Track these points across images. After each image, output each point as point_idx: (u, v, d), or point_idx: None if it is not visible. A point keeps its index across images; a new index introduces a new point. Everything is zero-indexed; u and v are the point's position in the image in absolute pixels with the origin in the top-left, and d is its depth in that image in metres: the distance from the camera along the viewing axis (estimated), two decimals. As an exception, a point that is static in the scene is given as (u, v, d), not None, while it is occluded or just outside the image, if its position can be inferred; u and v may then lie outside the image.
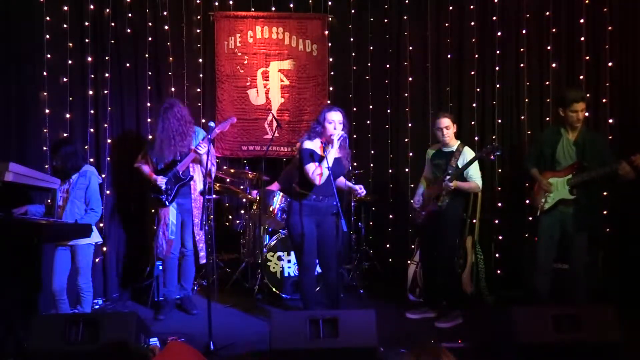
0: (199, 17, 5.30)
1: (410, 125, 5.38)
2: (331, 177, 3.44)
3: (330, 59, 5.52)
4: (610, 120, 4.64)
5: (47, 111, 4.53)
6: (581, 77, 4.75)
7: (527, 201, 4.54)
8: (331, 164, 3.47)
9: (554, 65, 4.88)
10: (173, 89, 5.17)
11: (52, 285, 3.79)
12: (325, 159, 3.47)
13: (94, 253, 4.66)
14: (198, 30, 5.31)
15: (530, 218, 3.99)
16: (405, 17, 5.39)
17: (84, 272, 3.84)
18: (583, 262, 3.79)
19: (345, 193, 4.09)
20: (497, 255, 5.04)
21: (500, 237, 5.04)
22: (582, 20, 4.76)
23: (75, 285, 3.86)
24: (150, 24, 5.08)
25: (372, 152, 5.55)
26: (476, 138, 5.10)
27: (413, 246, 4.83)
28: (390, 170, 5.54)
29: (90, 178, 3.88)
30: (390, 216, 5.53)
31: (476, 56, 5.16)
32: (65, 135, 4.58)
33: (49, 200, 3.96)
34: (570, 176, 3.68)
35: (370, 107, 5.54)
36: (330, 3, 5.47)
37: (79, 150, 3.99)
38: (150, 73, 5.08)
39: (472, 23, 5.17)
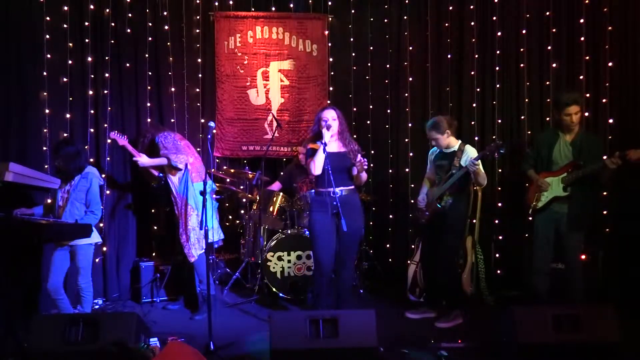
0: (199, 17, 5.30)
1: (410, 125, 5.38)
2: (329, 170, 3.48)
3: (330, 59, 5.52)
4: (610, 120, 4.64)
5: (47, 111, 4.53)
6: (581, 77, 4.76)
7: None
8: (325, 150, 3.53)
9: (554, 65, 4.88)
10: (173, 89, 5.17)
11: (47, 284, 3.77)
12: (322, 147, 3.52)
13: (94, 253, 4.68)
14: (198, 30, 5.31)
15: (531, 218, 3.98)
16: (405, 17, 5.39)
17: (84, 272, 3.84)
18: (578, 262, 3.80)
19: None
20: (497, 255, 5.04)
21: (500, 237, 5.04)
22: (582, 20, 4.76)
23: (76, 285, 3.86)
24: (150, 24, 5.07)
25: (372, 152, 5.55)
26: (476, 138, 5.10)
27: (413, 246, 4.83)
28: (390, 170, 5.54)
29: (91, 180, 3.86)
30: (390, 216, 5.53)
31: (476, 56, 5.17)
32: (65, 135, 4.58)
33: (50, 200, 3.96)
34: (565, 174, 3.72)
35: (370, 107, 5.54)
36: (330, 3, 5.47)
37: (81, 150, 3.95)
38: (150, 73, 5.08)
39: (472, 23, 5.17)
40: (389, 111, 5.52)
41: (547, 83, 4.91)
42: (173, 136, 4.34)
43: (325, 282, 3.71)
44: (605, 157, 3.58)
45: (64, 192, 3.85)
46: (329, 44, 5.50)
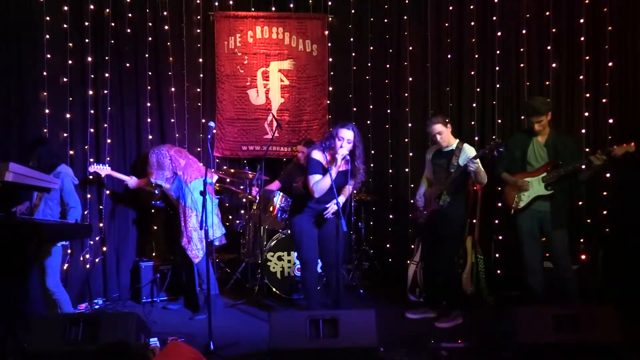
0: (199, 17, 5.30)
1: (410, 125, 5.38)
2: (333, 186, 3.48)
3: (330, 59, 5.52)
4: (610, 120, 4.64)
5: (47, 111, 4.53)
6: (581, 77, 4.75)
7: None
8: (333, 177, 3.53)
9: (554, 65, 4.88)
10: (173, 89, 5.17)
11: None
12: (329, 174, 3.51)
13: (93, 253, 4.68)
14: (198, 30, 5.31)
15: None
16: (405, 17, 5.39)
17: (51, 272, 3.67)
18: (568, 261, 3.82)
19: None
20: (497, 255, 5.04)
21: (500, 237, 5.04)
22: (582, 20, 4.75)
23: (46, 290, 3.68)
24: (150, 24, 5.07)
25: (372, 152, 5.55)
26: (476, 138, 5.10)
27: (413, 246, 4.82)
28: (390, 170, 5.54)
29: (63, 179, 3.79)
30: (390, 216, 5.52)
31: (476, 56, 5.16)
32: (66, 135, 4.58)
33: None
34: (545, 174, 3.74)
35: (370, 107, 5.55)
36: (330, 3, 5.47)
37: (52, 148, 3.95)
38: (150, 73, 5.08)
39: (472, 23, 5.17)
40: (389, 111, 5.52)
41: (547, 83, 4.91)
42: (160, 150, 4.33)
43: (315, 281, 3.81)
44: (587, 157, 3.60)
45: None
46: (329, 44, 5.50)
